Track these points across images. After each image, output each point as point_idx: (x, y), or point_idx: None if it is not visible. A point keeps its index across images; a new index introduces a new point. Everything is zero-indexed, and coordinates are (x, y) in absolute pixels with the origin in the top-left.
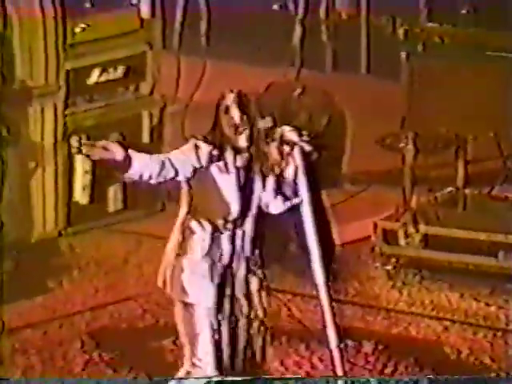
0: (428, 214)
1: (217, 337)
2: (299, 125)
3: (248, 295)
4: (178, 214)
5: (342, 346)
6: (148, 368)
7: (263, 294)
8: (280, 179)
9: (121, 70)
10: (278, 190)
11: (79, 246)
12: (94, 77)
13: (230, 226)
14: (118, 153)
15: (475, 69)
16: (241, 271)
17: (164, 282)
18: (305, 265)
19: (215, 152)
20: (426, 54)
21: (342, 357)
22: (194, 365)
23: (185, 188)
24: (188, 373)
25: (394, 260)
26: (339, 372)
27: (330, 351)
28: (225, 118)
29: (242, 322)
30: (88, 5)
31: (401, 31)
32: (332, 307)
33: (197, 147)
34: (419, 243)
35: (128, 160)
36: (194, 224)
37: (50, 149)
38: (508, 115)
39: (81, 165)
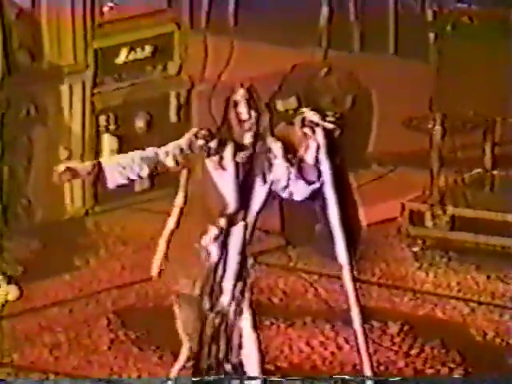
0: (455, 195)
1: (208, 328)
2: (323, 105)
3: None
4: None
5: (366, 325)
6: (173, 347)
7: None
8: (301, 165)
9: (148, 49)
10: (300, 175)
11: (106, 225)
12: (122, 56)
13: (223, 222)
14: (82, 168)
15: (504, 50)
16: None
17: (159, 272)
18: (331, 246)
19: (212, 145)
20: (454, 34)
21: (366, 337)
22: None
23: (183, 178)
24: (184, 367)
25: (420, 241)
26: (363, 353)
27: (355, 331)
28: (233, 112)
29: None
30: None
31: (429, 12)
32: (356, 288)
33: (195, 135)
34: (446, 225)
35: (98, 168)
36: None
37: (78, 127)
38: None
39: (108, 143)
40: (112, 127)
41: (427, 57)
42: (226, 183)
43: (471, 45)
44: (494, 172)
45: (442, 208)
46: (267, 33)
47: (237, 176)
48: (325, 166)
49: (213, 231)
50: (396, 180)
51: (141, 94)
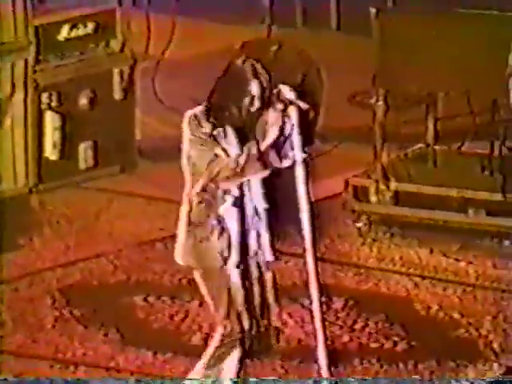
0: (398, 170)
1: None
2: (276, 82)
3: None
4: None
5: (309, 301)
6: (119, 325)
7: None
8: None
9: (91, 26)
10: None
11: (50, 203)
12: (64, 33)
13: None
14: None
15: (446, 25)
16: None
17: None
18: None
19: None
20: (396, 9)
21: (322, 314)
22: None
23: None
24: (222, 340)
25: (364, 217)
26: (319, 329)
27: (312, 309)
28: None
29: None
30: None
31: None
32: (317, 266)
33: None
34: (390, 200)
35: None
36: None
37: (21, 105)
38: (479, 72)
39: (51, 121)
40: (55, 104)
41: (370, 32)
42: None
43: (412, 20)
44: (437, 147)
45: (385, 183)
46: (209, 10)
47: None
48: (297, 145)
49: (228, 200)
50: (340, 156)
51: (84, 71)
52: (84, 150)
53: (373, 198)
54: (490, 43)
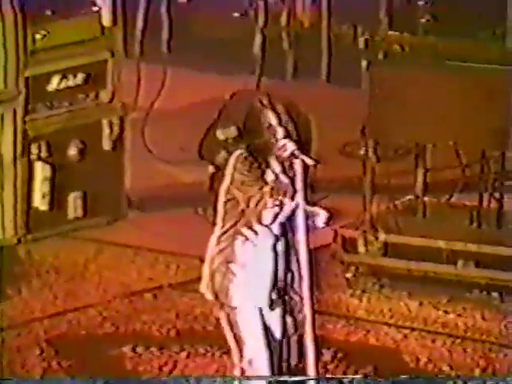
0: (387, 221)
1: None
2: (264, 134)
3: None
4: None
5: None
6: (107, 375)
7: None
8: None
9: (81, 77)
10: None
11: (38, 254)
12: (54, 83)
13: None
14: None
15: (435, 77)
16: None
17: (213, 291)
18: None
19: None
20: (386, 62)
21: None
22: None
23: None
24: (239, 379)
25: (353, 268)
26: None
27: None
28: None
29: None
30: (49, 12)
31: (361, 40)
32: (314, 318)
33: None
34: (378, 251)
35: None
36: (245, 230)
37: (10, 155)
38: (467, 123)
39: (40, 171)
40: (44, 155)
41: (360, 84)
42: None
43: (402, 72)
44: (426, 199)
45: (374, 234)
46: (200, 61)
47: None
48: (301, 196)
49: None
50: (329, 207)
51: (73, 121)
52: (73, 200)
53: (361, 249)
54: (479, 95)
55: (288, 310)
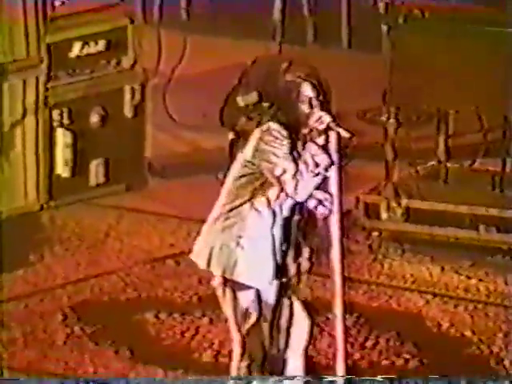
0: (410, 187)
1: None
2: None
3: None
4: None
5: (320, 318)
6: (130, 341)
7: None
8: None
9: (102, 43)
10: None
11: (61, 220)
12: (76, 50)
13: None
14: None
15: (456, 42)
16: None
17: (209, 261)
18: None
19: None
20: (406, 27)
21: (346, 336)
22: (244, 355)
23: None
24: (239, 369)
25: (375, 234)
26: (340, 349)
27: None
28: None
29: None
30: None
31: (381, 4)
32: (344, 286)
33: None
34: (401, 217)
35: None
36: (257, 204)
37: (32, 122)
38: (489, 89)
39: (62, 138)
40: (66, 122)
41: (381, 50)
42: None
43: (423, 37)
44: (448, 164)
45: (396, 200)
46: (220, 27)
47: None
48: (335, 169)
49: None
50: (351, 173)
51: (95, 88)
52: (95, 167)
53: (384, 215)
54: (500, 60)
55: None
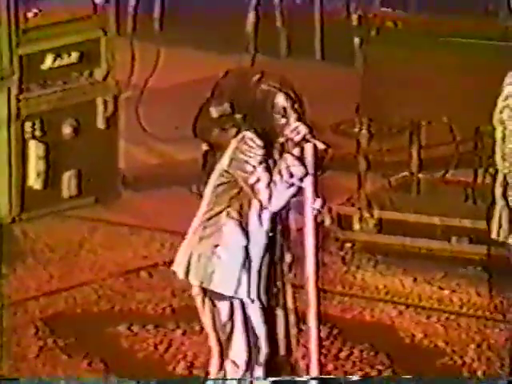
0: (382, 198)
1: (251, 331)
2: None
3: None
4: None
5: (294, 330)
6: (104, 354)
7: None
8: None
9: (75, 55)
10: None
11: (33, 232)
12: (48, 62)
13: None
14: None
15: (428, 54)
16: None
17: (187, 271)
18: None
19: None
20: (379, 39)
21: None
22: (223, 364)
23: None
24: (219, 373)
25: (348, 245)
26: (313, 358)
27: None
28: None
29: (280, 314)
30: None
31: (354, 16)
32: (319, 296)
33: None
34: (373, 228)
35: None
36: (236, 214)
37: (4, 134)
38: (461, 100)
39: (34, 150)
40: (38, 134)
41: (354, 62)
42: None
43: (396, 49)
44: (420, 175)
45: (369, 211)
46: (193, 38)
47: None
48: (310, 179)
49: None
50: (324, 184)
51: (67, 100)
52: (68, 179)
53: (356, 226)
54: (472, 71)
55: (279, 302)
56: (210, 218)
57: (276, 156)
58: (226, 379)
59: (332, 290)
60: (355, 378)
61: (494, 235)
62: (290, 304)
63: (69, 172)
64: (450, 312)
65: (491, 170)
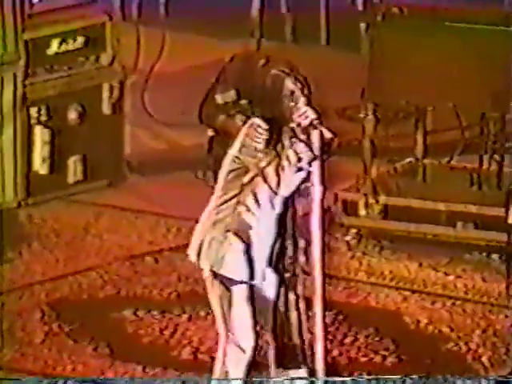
0: (388, 184)
1: (257, 319)
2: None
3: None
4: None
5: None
6: (109, 339)
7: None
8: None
9: (80, 40)
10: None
11: (38, 217)
12: (54, 47)
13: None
14: None
15: (434, 40)
16: (289, 250)
17: (198, 254)
18: None
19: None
20: (385, 24)
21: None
22: (227, 350)
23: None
24: (223, 361)
25: (354, 231)
26: (319, 346)
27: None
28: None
29: (292, 300)
30: None
31: (360, 1)
32: (324, 283)
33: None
34: (379, 214)
35: None
36: (249, 200)
37: (9, 119)
38: (467, 86)
39: (40, 135)
40: (44, 119)
41: (359, 47)
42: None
43: (401, 34)
44: (426, 161)
45: (374, 197)
46: (199, 24)
47: None
48: (317, 165)
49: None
50: (329, 170)
51: (73, 85)
52: (73, 164)
53: (362, 212)
54: (478, 57)
55: (291, 286)
56: (222, 203)
57: (285, 142)
58: (230, 379)
59: (337, 276)
60: (363, 378)
61: (510, 220)
62: (300, 290)
63: (74, 157)
64: (455, 298)
65: (496, 156)
